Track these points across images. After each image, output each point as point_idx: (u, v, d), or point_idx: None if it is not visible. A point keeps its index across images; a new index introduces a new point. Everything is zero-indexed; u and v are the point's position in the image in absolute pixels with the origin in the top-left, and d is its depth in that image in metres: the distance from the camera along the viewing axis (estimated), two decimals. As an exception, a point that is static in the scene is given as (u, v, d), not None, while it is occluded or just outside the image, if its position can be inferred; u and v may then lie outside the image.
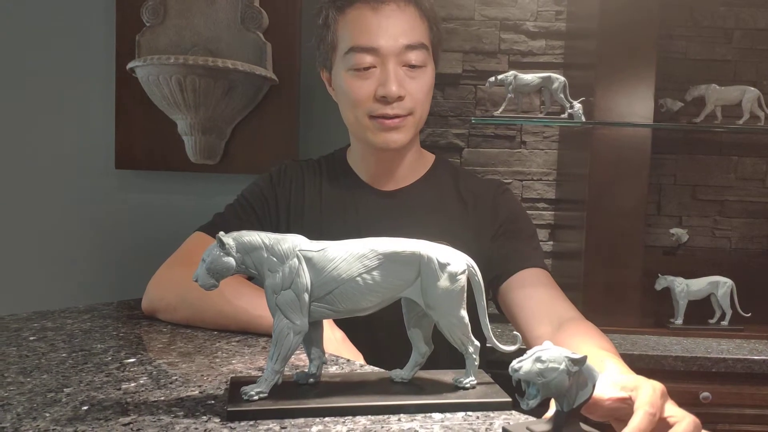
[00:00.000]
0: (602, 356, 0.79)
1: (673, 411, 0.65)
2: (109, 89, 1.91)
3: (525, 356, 0.56)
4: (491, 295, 1.13)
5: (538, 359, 0.55)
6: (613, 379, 0.68)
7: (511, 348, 0.70)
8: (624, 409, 0.65)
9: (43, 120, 1.98)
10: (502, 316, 1.13)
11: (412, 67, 1.05)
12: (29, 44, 1.97)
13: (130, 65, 1.79)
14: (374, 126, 1.06)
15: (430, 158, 1.22)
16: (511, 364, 0.56)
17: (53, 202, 1.99)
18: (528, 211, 1.25)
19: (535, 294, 1.04)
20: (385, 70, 1.03)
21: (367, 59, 1.03)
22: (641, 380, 0.67)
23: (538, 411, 0.62)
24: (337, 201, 1.14)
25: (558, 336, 0.93)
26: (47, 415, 0.63)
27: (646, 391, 0.64)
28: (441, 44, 1.14)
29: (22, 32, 1.96)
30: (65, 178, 1.98)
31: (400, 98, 1.04)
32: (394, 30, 1.03)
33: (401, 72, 1.04)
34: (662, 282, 1.78)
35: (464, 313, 0.68)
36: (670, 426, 0.63)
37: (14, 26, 1.96)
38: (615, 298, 1.78)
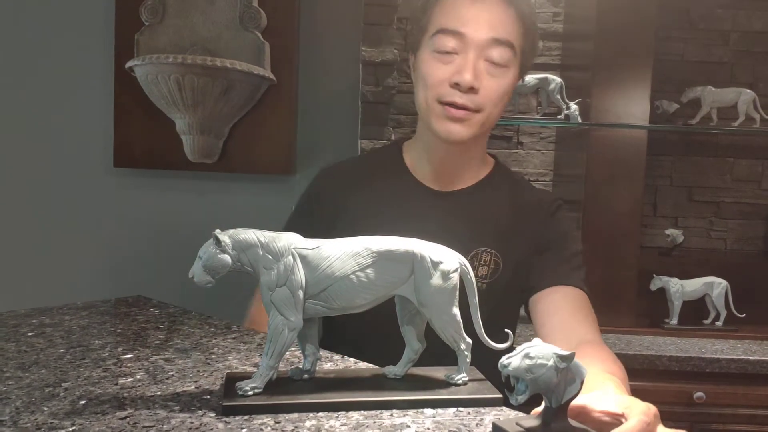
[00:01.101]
0: (605, 379, 0.80)
1: (664, 430, 0.66)
2: (108, 88, 1.92)
3: (514, 353, 0.57)
4: (524, 304, 1.12)
5: (527, 356, 0.56)
6: (607, 396, 0.69)
7: (502, 345, 0.71)
8: (614, 425, 0.65)
9: (42, 118, 1.99)
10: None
11: (494, 64, 1.03)
12: (29, 43, 1.98)
13: (128, 64, 1.80)
14: (440, 113, 1.04)
15: (490, 163, 1.19)
16: (501, 360, 0.57)
17: (52, 200, 2.00)
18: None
19: (560, 312, 1.04)
20: (466, 58, 1.01)
21: (451, 43, 1.02)
22: (635, 400, 0.67)
23: (527, 408, 0.63)
24: (388, 200, 1.12)
25: None
26: (45, 409, 0.64)
27: (640, 406, 0.65)
28: (533, 56, 1.12)
29: (22, 31, 1.97)
30: (64, 176, 2.00)
31: (473, 90, 1.01)
32: (485, 22, 1.02)
33: (482, 65, 1.02)
34: (657, 282, 1.79)
35: (456, 310, 0.70)
36: None
37: (14, 25, 1.97)
38: (610, 298, 1.78)
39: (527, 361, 0.55)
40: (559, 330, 1.01)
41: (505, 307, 1.07)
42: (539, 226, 1.12)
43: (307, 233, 0.98)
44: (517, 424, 0.59)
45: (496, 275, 1.06)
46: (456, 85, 1.01)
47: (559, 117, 1.77)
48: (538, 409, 0.61)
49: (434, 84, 1.03)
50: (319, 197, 1.16)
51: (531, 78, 1.77)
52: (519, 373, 0.56)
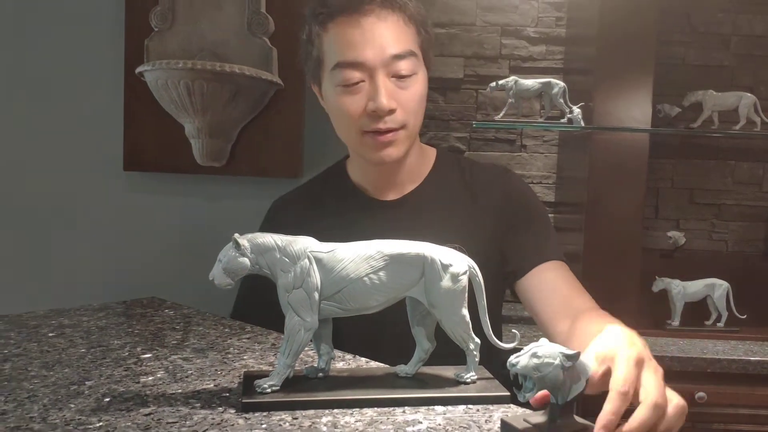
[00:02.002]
0: (604, 321, 0.82)
1: (646, 381, 0.63)
2: (119, 93, 1.94)
3: (522, 352, 0.59)
4: (509, 288, 1.14)
5: (534, 355, 0.58)
6: (591, 352, 0.66)
7: (509, 345, 0.73)
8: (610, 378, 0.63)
9: (54, 122, 2.02)
10: (505, 317, 1.16)
11: (402, 77, 1.01)
12: (40, 48, 2.01)
13: (139, 69, 1.82)
14: (368, 142, 1.04)
15: (431, 155, 1.19)
16: (509, 359, 0.59)
17: (62, 202, 2.03)
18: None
19: (554, 290, 1.06)
20: (374, 83, 1.00)
21: (355, 75, 1.00)
22: (618, 349, 0.65)
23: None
24: (344, 220, 1.12)
25: (573, 328, 0.95)
26: (72, 406, 0.67)
27: (620, 367, 0.62)
28: (432, 46, 1.09)
29: (33, 36, 2.00)
30: (75, 179, 2.02)
31: (391, 111, 1.01)
32: (379, 41, 0.99)
33: (390, 84, 1.01)
34: (659, 284, 1.81)
35: (465, 311, 0.72)
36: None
37: (25, 31, 2.00)
38: (613, 299, 1.78)
39: (535, 360, 0.58)
40: (558, 309, 1.03)
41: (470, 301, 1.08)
42: (500, 206, 1.12)
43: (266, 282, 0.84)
44: (525, 420, 0.62)
45: None
46: (373, 113, 1.00)
47: (561, 121, 1.80)
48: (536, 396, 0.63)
49: (352, 117, 1.03)
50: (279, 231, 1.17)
51: (534, 82, 1.80)
52: (527, 372, 0.58)
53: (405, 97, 1.02)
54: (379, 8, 1.00)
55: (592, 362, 0.63)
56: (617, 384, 0.61)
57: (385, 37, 1.00)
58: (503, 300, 1.20)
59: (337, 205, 1.15)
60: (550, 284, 1.07)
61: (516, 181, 1.17)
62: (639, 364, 0.64)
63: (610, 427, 0.58)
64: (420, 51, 1.05)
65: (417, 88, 1.04)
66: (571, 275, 1.10)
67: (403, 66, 1.01)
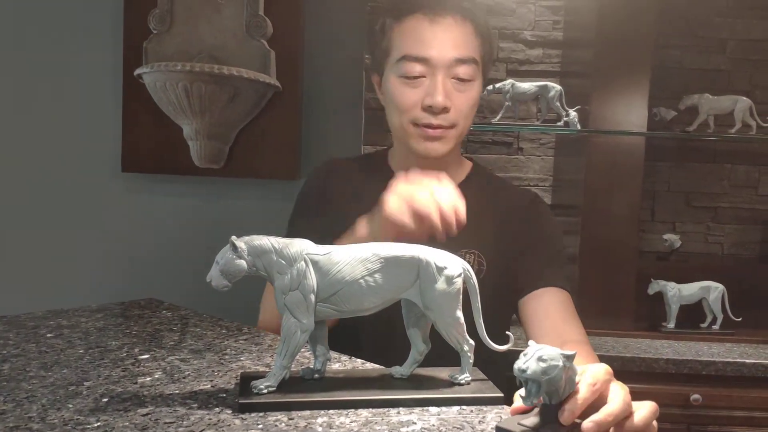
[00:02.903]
0: (586, 357, 0.83)
1: (614, 389, 0.66)
2: (117, 94, 1.96)
3: (527, 357, 0.59)
4: (514, 307, 1.15)
5: (540, 358, 0.58)
6: None
7: (503, 347, 0.74)
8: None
9: (53, 124, 2.03)
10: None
11: (461, 80, 1.07)
12: (39, 50, 2.02)
13: (137, 71, 1.83)
14: (417, 133, 1.09)
15: (467, 166, 1.23)
16: (518, 366, 0.59)
17: (62, 204, 2.03)
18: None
19: (546, 316, 1.08)
20: (434, 80, 1.06)
21: (417, 68, 1.06)
22: (587, 365, 0.68)
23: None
24: (374, 204, 1.14)
25: None
26: (70, 406, 0.68)
27: (590, 370, 0.66)
28: (492, 59, 1.17)
29: (33, 39, 2.01)
30: (74, 181, 2.03)
31: (445, 110, 1.06)
32: (448, 43, 1.06)
33: (449, 84, 1.07)
34: (655, 287, 1.82)
35: (460, 313, 0.73)
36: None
37: (25, 33, 2.01)
38: (609, 302, 1.82)
39: (542, 364, 0.58)
40: (549, 335, 1.05)
41: (496, 307, 1.07)
42: (521, 227, 1.16)
43: (318, 233, 0.93)
44: (519, 423, 0.62)
45: (481, 275, 1.10)
46: (428, 108, 1.06)
47: (558, 124, 1.81)
48: (516, 405, 0.64)
49: (407, 108, 1.08)
50: (322, 194, 1.20)
51: (531, 85, 1.81)
52: (536, 377, 0.58)
53: (460, 100, 1.08)
54: (455, 13, 1.07)
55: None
56: (587, 378, 0.64)
57: (453, 40, 1.07)
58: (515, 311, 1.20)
59: (372, 188, 1.15)
60: (545, 310, 1.09)
61: (540, 209, 1.21)
62: (608, 373, 0.67)
63: (577, 412, 0.61)
64: (481, 61, 1.11)
65: (472, 93, 1.10)
66: (569, 305, 1.11)
67: (464, 71, 1.07)
